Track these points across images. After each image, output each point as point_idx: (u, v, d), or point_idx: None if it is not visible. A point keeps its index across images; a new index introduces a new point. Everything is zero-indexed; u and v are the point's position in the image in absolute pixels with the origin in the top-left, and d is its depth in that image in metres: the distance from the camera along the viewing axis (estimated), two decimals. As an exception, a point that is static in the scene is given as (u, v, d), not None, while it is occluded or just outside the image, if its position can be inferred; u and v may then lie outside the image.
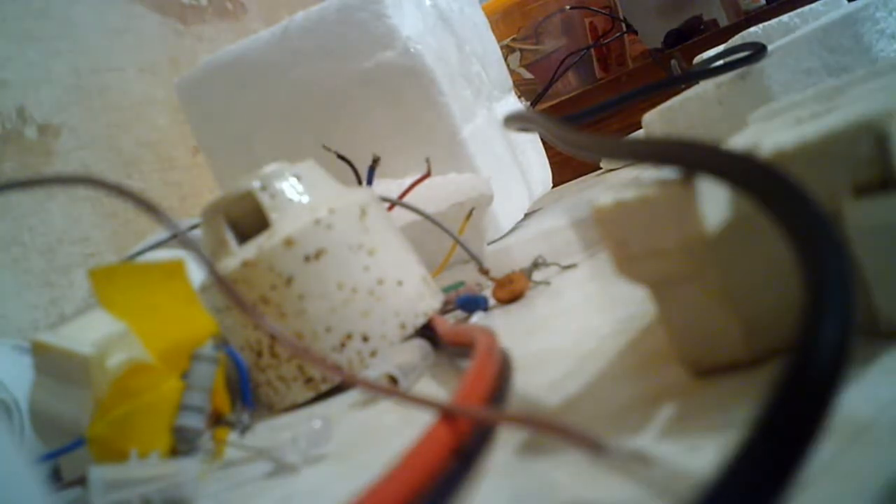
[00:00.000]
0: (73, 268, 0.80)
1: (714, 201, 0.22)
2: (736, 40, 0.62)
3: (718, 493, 0.13)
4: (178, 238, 0.26)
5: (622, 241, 0.24)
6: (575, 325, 0.39)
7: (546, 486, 0.22)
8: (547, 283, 0.50)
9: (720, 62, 0.56)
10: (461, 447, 0.22)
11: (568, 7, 1.24)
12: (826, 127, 0.21)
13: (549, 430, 0.22)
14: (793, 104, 0.31)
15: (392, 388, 0.35)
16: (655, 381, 0.26)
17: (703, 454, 0.20)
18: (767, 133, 0.26)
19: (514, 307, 0.49)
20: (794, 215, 0.18)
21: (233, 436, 0.39)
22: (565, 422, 0.22)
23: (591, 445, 0.21)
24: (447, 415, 0.23)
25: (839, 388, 0.14)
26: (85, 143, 0.85)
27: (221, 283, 0.28)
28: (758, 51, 0.51)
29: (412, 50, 0.69)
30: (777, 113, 0.31)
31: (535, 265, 0.52)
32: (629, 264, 0.24)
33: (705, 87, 0.55)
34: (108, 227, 0.85)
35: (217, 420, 0.38)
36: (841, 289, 0.16)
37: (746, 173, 0.20)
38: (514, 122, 0.47)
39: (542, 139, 0.88)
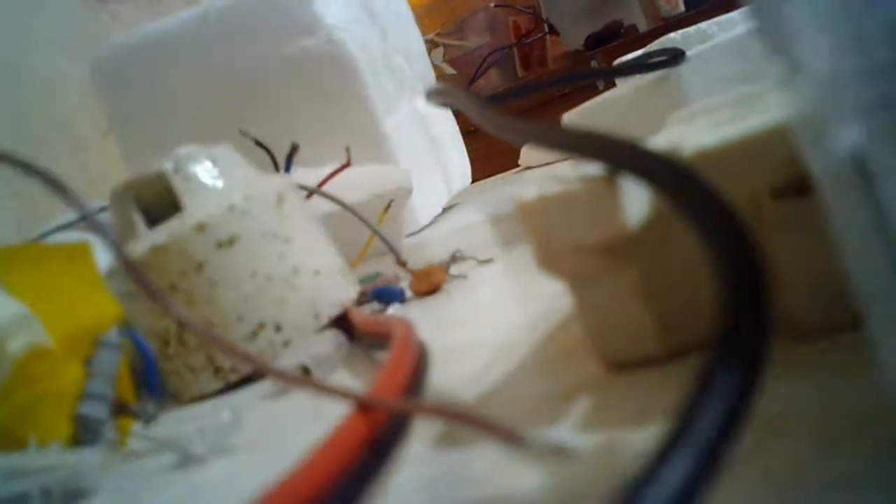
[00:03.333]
0: (-29, 250, 0.77)
1: (635, 198, 0.23)
2: (654, 45, 0.64)
3: (642, 487, 0.13)
4: (86, 220, 0.25)
5: (544, 235, 0.24)
6: (491, 319, 0.39)
7: (461, 478, 0.22)
8: (464, 276, 0.50)
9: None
10: (376, 438, 0.22)
11: (492, 4, 1.25)
12: (746, 129, 0.22)
13: (466, 421, 0.22)
14: (710, 108, 0.32)
15: (305, 378, 0.35)
16: (571, 375, 0.26)
17: (619, 445, 0.20)
18: (687, 134, 0.26)
19: (430, 300, 0.49)
20: (707, 218, 0.18)
21: (137, 426, 0.38)
22: (481, 413, 0.22)
23: (508, 437, 0.21)
24: (362, 405, 0.23)
25: (756, 387, 0.14)
26: (-11, 120, 0.81)
27: (128, 267, 0.27)
28: (677, 55, 0.52)
29: (335, 38, 0.68)
30: (694, 116, 0.31)
31: (453, 259, 0.52)
32: (550, 259, 0.24)
33: (624, 89, 0.56)
34: (11, 208, 0.81)
35: (121, 409, 0.37)
36: (753, 290, 0.16)
37: (660, 173, 0.20)
38: (437, 96, 0.46)
39: (461, 130, 0.88)
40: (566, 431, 0.22)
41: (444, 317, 0.43)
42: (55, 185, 0.24)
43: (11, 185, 0.81)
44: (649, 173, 0.20)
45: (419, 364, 0.28)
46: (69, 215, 0.60)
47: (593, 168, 0.23)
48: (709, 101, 0.34)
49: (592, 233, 0.23)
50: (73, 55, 0.91)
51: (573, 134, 0.24)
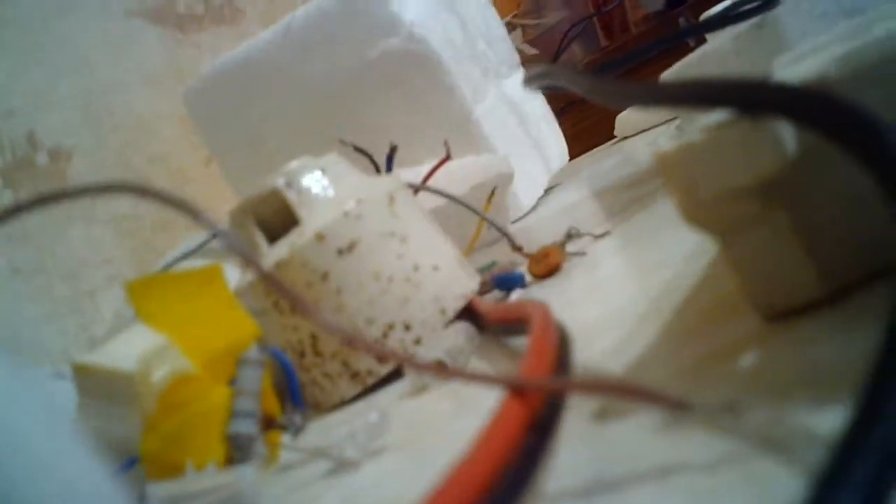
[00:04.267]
0: (97, 291, 0.80)
1: (782, 136, 0.21)
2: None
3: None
4: (219, 239, 0.26)
5: (690, 186, 0.23)
6: (622, 291, 0.39)
7: (626, 451, 0.21)
8: (583, 253, 0.49)
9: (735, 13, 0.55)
10: (536, 419, 0.22)
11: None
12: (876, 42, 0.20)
13: (627, 393, 0.21)
14: (818, 46, 0.30)
15: (457, 369, 0.34)
16: (726, 333, 0.25)
17: (796, 401, 0.19)
18: (811, 68, 0.25)
19: (551, 281, 0.48)
20: (872, 153, 0.17)
21: (286, 438, 0.38)
22: (641, 383, 0.21)
23: (673, 403, 0.20)
24: (516, 389, 0.22)
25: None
26: (96, 164, 0.85)
27: (266, 278, 0.28)
28: (770, -1, 0.50)
29: (416, 35, 0.68)
30: (805, 56, 0.30)
31: (569, 236, 0.51)
32: (698, 210, 0.23)
33: (721, 40, 0.54)
34: (128, 247, 0.84)
35: (269, 424, 0.38)
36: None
37: (815, 109, 0.19)
38: (536, 80, 0.45)
39: (555, 112, 0.87)
40: (734, 392, 0.21)
41: (571, 295, 0.43)
42: (189, 210, 0.24)
43: (124, 225, 0.84)
44: (798, 110, 0.19)
45: (563, 342, 0.28)
46: (187, 245, 0.62)
47: (719, 116, 0.22)
48: (813, 40, 0.32)
49: (741, 177, 0.22)
50: (164, 90, 0.94)
51: (702, 85, 0.23)
